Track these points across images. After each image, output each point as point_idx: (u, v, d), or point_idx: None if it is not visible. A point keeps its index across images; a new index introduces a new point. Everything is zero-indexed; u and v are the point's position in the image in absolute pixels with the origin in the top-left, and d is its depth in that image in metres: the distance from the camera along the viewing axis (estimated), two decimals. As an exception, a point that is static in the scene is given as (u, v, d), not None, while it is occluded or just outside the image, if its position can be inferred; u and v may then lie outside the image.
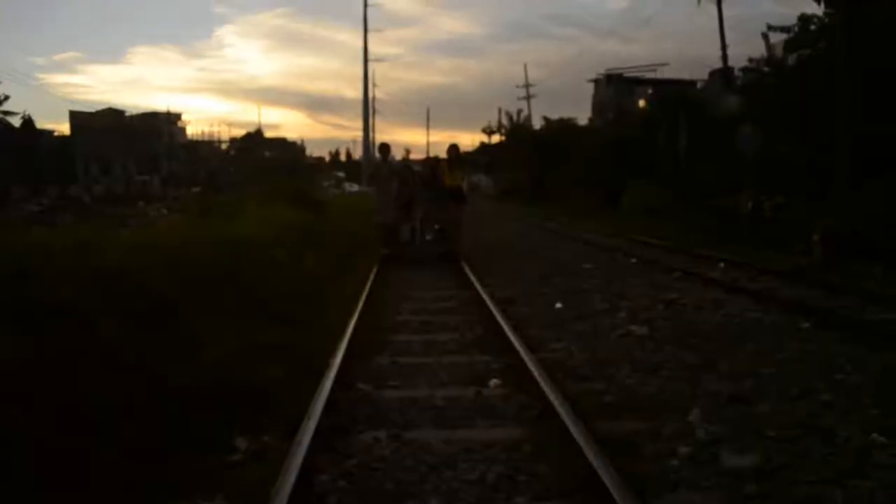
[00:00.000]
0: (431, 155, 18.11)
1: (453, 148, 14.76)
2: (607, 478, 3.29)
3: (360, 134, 43.07)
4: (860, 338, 6.40)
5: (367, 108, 46.28)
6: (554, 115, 47.46)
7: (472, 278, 10.03)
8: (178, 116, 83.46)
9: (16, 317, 4.68)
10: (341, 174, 70.58)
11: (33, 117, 57.40)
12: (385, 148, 15.45)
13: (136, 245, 8.01)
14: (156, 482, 3.59)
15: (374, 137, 47.95)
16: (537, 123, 50.45)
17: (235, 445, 4.13)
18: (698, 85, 39.01)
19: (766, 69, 20.40)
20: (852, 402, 4.73)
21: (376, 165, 14.97)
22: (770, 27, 18.39)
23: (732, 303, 8.43)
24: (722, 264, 11.78)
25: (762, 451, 3.91)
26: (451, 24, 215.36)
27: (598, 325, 7.39)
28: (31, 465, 3.39)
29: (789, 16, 18.26)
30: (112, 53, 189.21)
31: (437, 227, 13.97)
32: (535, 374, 5.05)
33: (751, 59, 20.53)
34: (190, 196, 35.09)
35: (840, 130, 14.82)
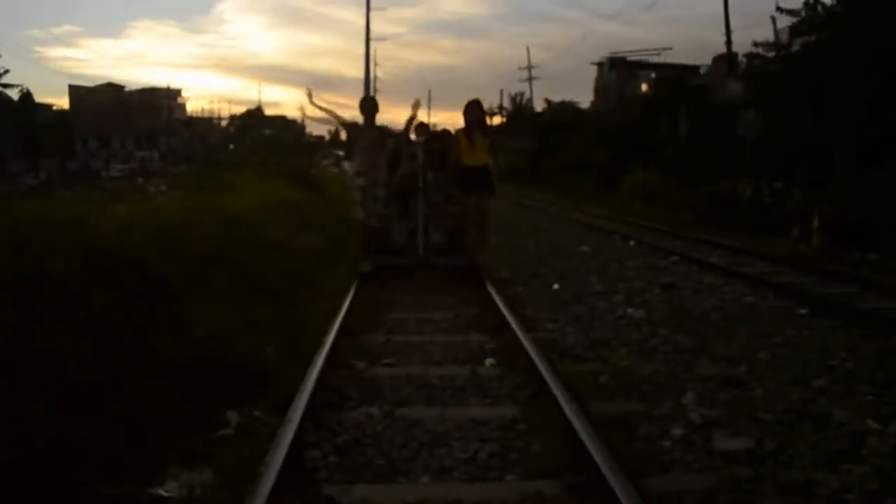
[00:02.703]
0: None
1: (475, 106, 9.29)
2: (599, 457, 3.27)
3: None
4: (856, 324, 6.38)
5: (369, 88, 46.01)
6: (556, 98, 47.21)
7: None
8: (177, 92, 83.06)
9: (7, 290, 4.65)
10: (340, 153, 70.35)
11: (32, 91, 57.22)
12: (371, 104, 9.50)
13: (132, 221, 7.97)
14: (145, 455, 3.56)
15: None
16: (539, 106, 50.22)
17: (226, 420, 4.11)
18: (701, 70, 38.83)
19: (770, 55, 20.22)
20: (847, 387, 4.71)
21: (357, 133, 9.44)
22: (779, 9, 18.16)
23: (729, 287, 8.40)
24: (720, 250, 11.76)
25: (756, 435, 3.89)
26: (455, 4, 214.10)
27: (594, 307, 7.36)
28: (16, 441, 3.36)
29: (796, 2, 17.93)
30: (111, 27, 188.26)
31: (448, 226, 9.32)
32: (531, 353, 5.02)
33: (756, 43, 20.30)
34: (189, 173, 34.98)
35: (840, 119, 14.72)
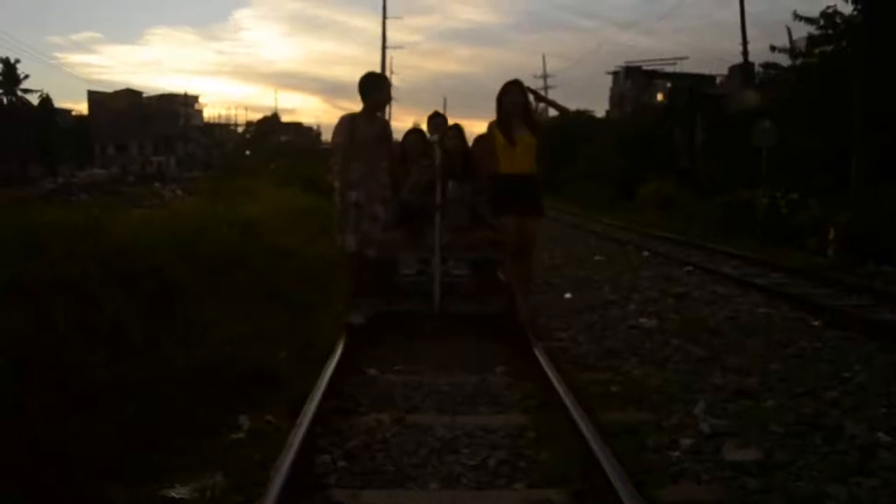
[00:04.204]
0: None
1: (515, 89, 6.46)
2: (608, 466, 3.28)
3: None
4: (870, 336, 6.35)
5: (384, 95, 46.25)
6: (571, 107, 47.17)
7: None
8: (195, 99, 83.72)
9: (24, 293, 4.72)
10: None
11: (51, 96, 57.93)
12: (377, 84, 6.64)
13: (148, 226, 8.08)
14: (158, 459, 3.60)
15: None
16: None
17: (238, 424, 4.15)
18: (717, 80, 38.74)
19: (785, 64, 20.14)
20: (859, 400, 4.68)
21: (349, 127, 6.46)
22: (796, 16, 18.10)
23: (743, 298, 8.38)
24: (734, 260, 11.73)
25: (766, 447, 3.88)
26: (470, 13, 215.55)
27: (607, 317, 7.36)
28: (32, 443, 3.41)
29: (813, 12, 17.88)
30: (129, 34, 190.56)
31: (475, 259, 6.97)
32: (542, 362, 5.03)
33: (773, 48, 20.15)
34: (204, 178, 35.25)
35: (857, 129, 14.66)
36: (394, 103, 47.45)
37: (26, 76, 51.84)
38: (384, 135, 6.65)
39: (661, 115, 31.60)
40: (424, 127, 7.59)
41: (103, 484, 3.28)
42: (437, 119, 7.65)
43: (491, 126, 6.51)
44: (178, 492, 3.36)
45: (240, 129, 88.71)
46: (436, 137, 7.07)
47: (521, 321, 6.10)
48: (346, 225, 6.37)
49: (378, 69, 44.85)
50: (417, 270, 7.23)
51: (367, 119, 6.50)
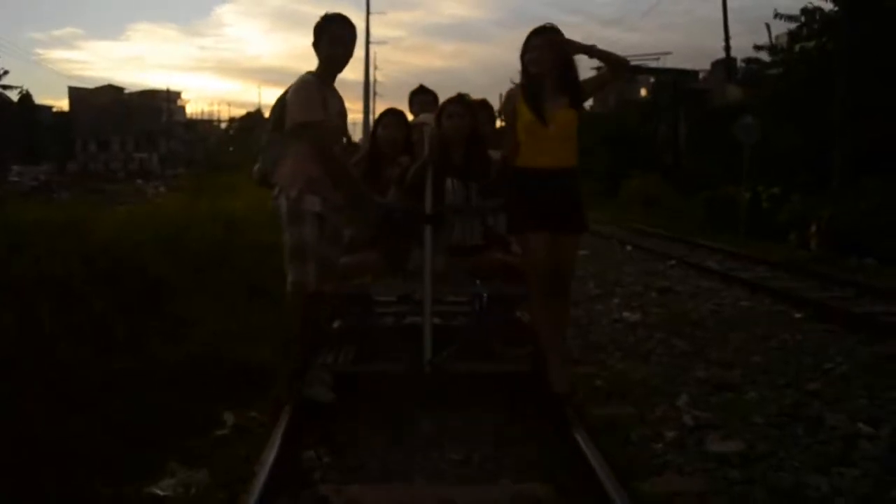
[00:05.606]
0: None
1: (538, 42, 4.16)
2: (594, 460, 3.30)
3: (360, 116, 42.91)
4: (852, 329, 6.41)
5: (368, 91, 46.18)
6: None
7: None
8: (177, 95, 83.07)
9: (7, 290, 4.69)
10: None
11: (32, 93, 57.37)
12: (340, 27, 4.05)
13: (131, 223, 8.03)
14: (142, 455, 3.59)
15: (373, 122, 47.74)
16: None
17: (223, 421, 4.13)
18: (700, 75, 38.90)
19: (767, 59, 20.28)
20: (840, 391, 4.73)
21: (322, 94, 4.04)
22: (777, 15, 18.28)
23: (726, 292, 8.45)
24: (717, 255, 11.80)
25: (748, 438, 3.91)
26: (454, 8, 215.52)
27: (591, 311, 7.39)
28: (17, 440, 3.39)
29: (794, 8, 18.09)
30: (111, 30, 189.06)
31: (482, 294, 4.86)
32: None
33: (756, 46, 20.34)
34: (187, 175, 35.04)
35: (838, 125, 14.80)
36: (377, 98, 47.15)
37: (6, 72, 51.12)
38: (344, 111, 4.42)
39: (646, 112, 31.69)
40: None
41: (89, 481, 3.27)
42: (422, 97, 5.57)
43: (512, 94, 4.36)
44: (162, 488, 3.34)
45: (223, 126, 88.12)
46: (423, 117, 5.12)
47: (558, 392, 4.04)
48: (305, 249, 4.03)
49: (362, 64, 44.61)
50: (399, 298, 5.19)
51: (328, 86, 4.21)
